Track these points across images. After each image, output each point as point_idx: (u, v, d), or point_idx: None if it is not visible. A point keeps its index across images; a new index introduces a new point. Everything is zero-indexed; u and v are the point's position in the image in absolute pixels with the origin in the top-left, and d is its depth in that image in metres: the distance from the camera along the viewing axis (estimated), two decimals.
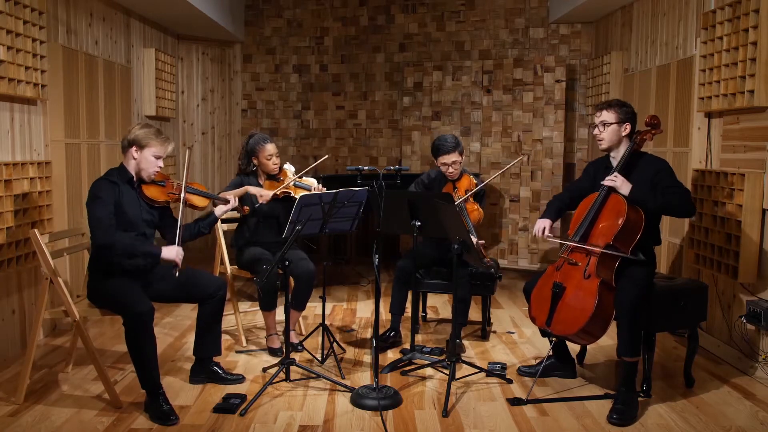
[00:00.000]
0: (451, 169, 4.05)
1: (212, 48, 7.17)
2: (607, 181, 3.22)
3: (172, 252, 3.15)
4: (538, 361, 3.76)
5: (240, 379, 3.44)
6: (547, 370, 3.53)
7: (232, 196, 3.54)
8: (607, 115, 3.31)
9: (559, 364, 3.57)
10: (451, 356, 3.41)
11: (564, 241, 3.35)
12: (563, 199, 3.62)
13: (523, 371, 3.60)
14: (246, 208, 3.72)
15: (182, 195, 3.29)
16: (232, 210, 3.58)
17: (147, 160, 3.18)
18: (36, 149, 4.06)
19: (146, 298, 3.06)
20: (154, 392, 3.02)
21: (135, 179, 3.24)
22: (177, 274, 3.16)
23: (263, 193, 3.85)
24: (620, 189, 3.18)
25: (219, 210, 3.46)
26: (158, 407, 2.98)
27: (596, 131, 3.36)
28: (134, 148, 3.18)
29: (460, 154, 4.05)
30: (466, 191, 4.02)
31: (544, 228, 3.46)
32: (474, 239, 3.70)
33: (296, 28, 7.31)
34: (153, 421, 2.96)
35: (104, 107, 4.90)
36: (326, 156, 4.59)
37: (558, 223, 6.35)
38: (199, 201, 3.41)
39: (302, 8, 7.28)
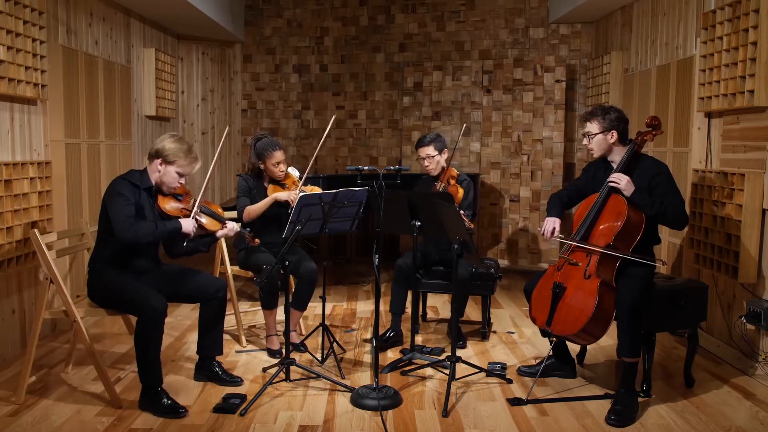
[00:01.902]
0: (426, 162, 4.17)
1: (212, 48, 7.17)
2: (612, 181, 3.21)
3: (189, 224, 3.15)
4: (538, 361, 3.76)
5: (238, 382, 3.42)
6: (547, 370, 3.53)
7: (232, 224, 3.39)
8: (591, 126, 3.35)
9: (559, 364, 3.57)
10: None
11: (567, 240, 3.35)
12: (562, 197, 3.63)
13: (523, 371, 3.60)
14: (257, 240, 3.53)
15: (194, 210, 3.24)
16: (243, 235, 3.47)
17: (170, 176, 3.17)
18: (36, 149, 4.06)
19: (159, 294, 3.06)
20: (154, 388, 3.04)
21: (154, 188, 3.23)
22: (185, 244, 3.20)
23: (292, 197, 3.71)
24: (624, 191, 3.18)
25: (220, 233, 3.34)
26: (160, 402, 3.01)
27: (585, 141, 3.42)
28: (160, 161, 3.15)
29: (438, 150, 4.14)
30: (449, 179, 4.14)
31: (554, 228, 3.40)
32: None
33: (296, 28, 7.31)
34: (161, 416, 2.98)
35: (104, 107, 4.90)
36: (333, 117, 4.53)
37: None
38: (211, 225, 3.31)
39: (302, 8, 7.28)
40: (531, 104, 6.49)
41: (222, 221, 3.35)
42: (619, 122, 3.33)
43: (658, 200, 3.16)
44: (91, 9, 4.85)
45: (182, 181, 3.23)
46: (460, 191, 4.07)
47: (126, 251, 3.18)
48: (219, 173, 7.30)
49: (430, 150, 4.13)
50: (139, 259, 3.22)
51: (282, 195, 3.81)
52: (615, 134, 3.32)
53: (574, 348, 3.75)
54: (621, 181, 3.18)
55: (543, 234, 3.41)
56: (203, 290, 3.30)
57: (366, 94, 7.27)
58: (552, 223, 3.41)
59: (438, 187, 4.09)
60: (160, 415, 3.00)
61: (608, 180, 3.23)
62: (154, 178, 3.21)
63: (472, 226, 3.90)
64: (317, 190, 3.95)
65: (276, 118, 7.42)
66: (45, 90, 3.99)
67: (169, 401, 3.03)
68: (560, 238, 3.37)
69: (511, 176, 6.57)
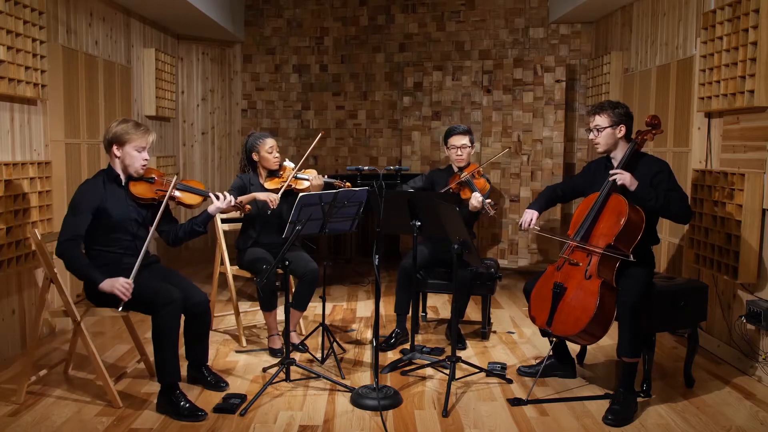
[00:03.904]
0: (459, 152, 4.17)
1: (212, 48, 7.17)
2: (616, 176, 3.19)
3: (109, 284, 2.93)
4: (538, 361, 3.76)
5: (223, 387, 3.34)
6: (548, 370, 3.53)
7: (225, 196, 3.30)
8: (600, 120, 3.33)
9: (559, 364, 3.57)
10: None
11: (559, 238, 3.40)
12: (555, 191, 3.69)
13: (523, 371, 3.60)
14: (248, 206, 3.47)
15: (169, 190, 3.16)
16: (236, 210, 3.40)
17: (130, 155, 3.12)
18: (36, 149, 4.06)
19: (170, 286, 3.07)
20: (174, 387, 3.02)
21: (123, 177, 3.18)
22: (120, 308, 2.96)
23: (272, 198, 3.82)
24: (629, 186, 3.18)
25: (212, 208, 3.26)
26: (179, 405, 2.99)
27: (591, 135, 3.39)
28: (115, 147, 3.12)
29: (471, 142, 4.19)
30: (474, 172, 4.17)
31: (531, 219, 3.50)
32: (481, 201, 3.88)
33: (296, 28, 7.31)
34: (181, 420, 2.96)
35: (104, 107, 4.90)
36: (321, 134, 4.50)
37: (557, 216, 6.35)
38: (189, 198, 3.25)
39: (302, 8, 7.28)
40: (531, 104, 6.49)
41: (203, 194, 3.28)
42: (627, 117, 3.33)
43: (662, 194, 3.16)
44: (91, 9, 4.85)
45: (145, 156, 3.16)
46: (487, 185, 4.16)
47: (110, 252, 3.14)
48: (219, 174, 7.30)
49: (465, 140, 4.16)
50: (125, 258, 3.14)
51: (261, 196, 3.84)
52: (624, 129, 3.32)
53: (573, 348, 3.75)
54: (624, 177, 3.18)
55: (521, 225, 3.53)
56: (185, 301, 3.14)
57: (366, 94, 7.27)
58: (530, 215, 3.52)
59: (461, 177, 4.10)
60: (180, 418, 2.96)
61: (611, 177, 3.22)
62: (118, 167, 3.17)
63: (494, 213, 3.97)
64: (313, 172, 3.98)
65: (276, 118, 7.42)
66: (45, 90, 3.99)
67: (188, 404, 3.00)
68: (536, 230, 3.47)
69: (511, 176, 6.57)
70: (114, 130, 3.13)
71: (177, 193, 3.23)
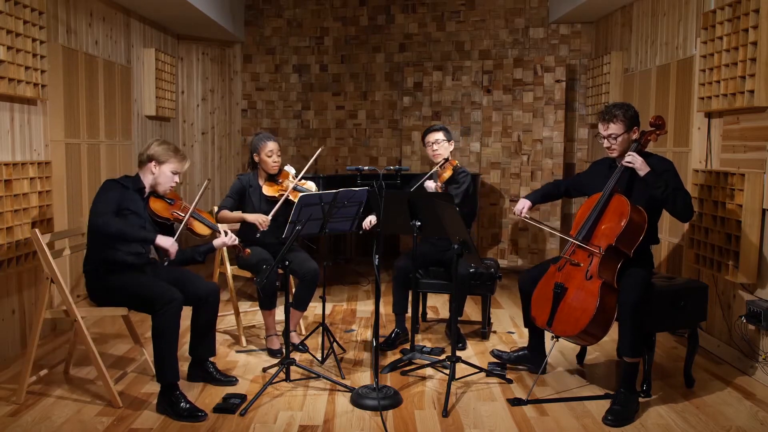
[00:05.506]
0: (435, 147, 4.20)
1: (212, 48, 7.17)
2: (627, 159, 3.19)
3: (167, 241, 3.15)
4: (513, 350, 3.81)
5: (233, 381, 3.41)
6: (519, 360, 3.64)
7: (231, 234, 3.42)
8: (615, 128, 3.29)
9: (530, 356, 3.61)
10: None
11: (548, 227, 3.59)
12: (558, 186, 3.74)
13: (496, 353, 3.72)
14: (248, 251, 3.54)
15: (186, 216, 3.30)
16: (234, 248, 3.48)
17: (165, 175, 3.27)
18: (36, 149, 4.06)
19: (171, 286, 3.10)
20: (174, 387, 3.03)
21: (146, 190, 3.30)
22: (166, 263, 3.20)
23: (261, 220, 3.80)
24: (639, 170, 3.17)
25: (218, 242, 3.38)
26: (178, 406, 3.00)
27: (606, 144, 3.36)
28: (153, 163, 3.26)
29: (447, 139, 4.22)
30: (445, 164, 4.22)
31: (523, 208, 3.56)
32: (431, 187, 4.07)
33: (296, 28, 7.32)
34: (181, 421, 2.95)
35: (104, 107, 4.90)
36: (321, 149, 4.57)
37: (557, 216, 6.35)
38: (200, 228, 3.37)
39: (302, 8, 7.28)
40: (531, 104, 6.49)
41: (214, 228, 3.40)
42: (637, 117, 3.34)
43: (671, 184, 3.16)
44: (91, 9, 4.85)
45: (177, 179, 3.32)
46: (447, 172, 4.14)
47: (117, 251, 3.18)
48: (219, 174, 7.30)
49: (439, 135, 4.20)
50: (130, 258, 3.22)
51: (249, 217, 3.84)
52: (637, 130, 3.32)
53: (574, 348, 3.75)
54: (636, 160, 3.18)
55: (514, 211, 3.62)
56: (196, 293, 3.26)
57: (366, 94, 7.27)
58: (523, 204, 3.59)
59: (440, 173, 4.15)
60: (179, 419, 2.97)
61: (623, 161, 3.22)
62: (148, 181, 3.30)
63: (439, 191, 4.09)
64: (312, 185, 3.97)
65: (276, 118, 7.42)
66: (45, 90, 3.99)
67: (188, 405, 3.01)
68: (526, 218, 3.54)
69: (511, 176, 6.57)
70: (156, 149, 3.28)
71: (194, 224, 3.36)
